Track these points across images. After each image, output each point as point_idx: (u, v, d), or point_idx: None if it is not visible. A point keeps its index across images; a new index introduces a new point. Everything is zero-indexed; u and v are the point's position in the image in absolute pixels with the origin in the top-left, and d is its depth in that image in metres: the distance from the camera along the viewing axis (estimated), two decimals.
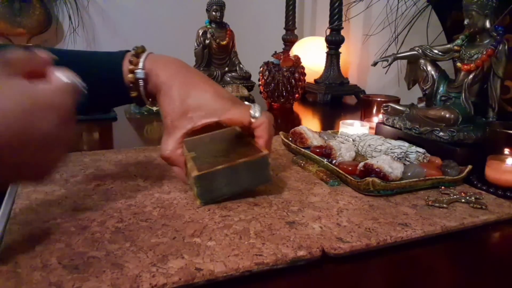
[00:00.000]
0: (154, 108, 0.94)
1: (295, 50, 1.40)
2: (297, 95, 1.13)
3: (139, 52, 0.48)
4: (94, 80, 0.41)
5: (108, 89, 0.48)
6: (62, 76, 0.35)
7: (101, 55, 0.50)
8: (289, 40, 1.57)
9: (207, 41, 1.08)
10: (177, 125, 0.47)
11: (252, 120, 0.47)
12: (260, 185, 0.48)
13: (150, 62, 0.47)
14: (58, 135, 0.34)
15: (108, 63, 0.48)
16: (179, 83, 0.47)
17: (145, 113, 0.97)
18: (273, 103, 1.15)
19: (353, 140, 0.65)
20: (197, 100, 0.47)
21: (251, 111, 0.47)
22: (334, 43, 1.27)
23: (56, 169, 0.37)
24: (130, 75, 0.46)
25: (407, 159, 0.56)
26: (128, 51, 0.48)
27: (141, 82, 0.47)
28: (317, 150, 0.60)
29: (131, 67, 0.46)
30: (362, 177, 0.50)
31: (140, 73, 0.46)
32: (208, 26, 1.10)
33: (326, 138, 0.67)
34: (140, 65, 0.46)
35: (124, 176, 0.54)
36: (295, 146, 0.65)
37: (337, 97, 1.27)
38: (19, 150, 0.32)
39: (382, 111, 0.76)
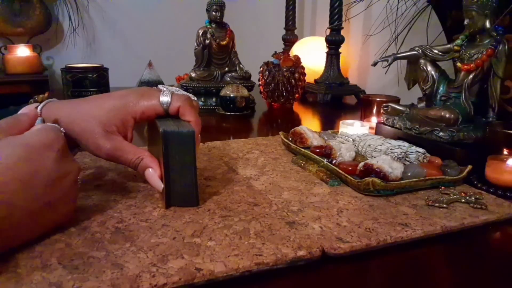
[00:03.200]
0: None
1: (295, 50, 1.40)
2: (297, 95, 1.13)
3: (39, 100, 0.46)
4: None
5: None
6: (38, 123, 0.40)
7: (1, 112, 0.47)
8: (289, 40, 1.57)
9: (207, 41, 1.08)
10: (115, 143, 0.45)
11: (164, 106, 0.46)
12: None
13: (48, 109, 0.45)
14: (61, 170, 0.37)
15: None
16: (78, 113, 0.45)
17: None
18: (273, 103, 1.15)
19: (353, 140, 0.65)
20: (105, 112, 0.44)
21: (161, 98, 0.46)
22: (334, 43, 1.27)
23: (74, 205, 0.40)
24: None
25: (407, 159, 0.56)
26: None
27: None
28: (317, 150, 0.60)
29: None
30: (362, 177, 0.50)
31: (37, 121, 0.44)
32: (208, 26, 1.10)
33: (326, 138, 0.67)
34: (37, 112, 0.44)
35: (124, 176, 0.54)
36: (295, 146, 0.65)
37: (337, 97, 1.27)
38: (32, 194, 0.34)
39: (382, 111, 0.76)
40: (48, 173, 0.35)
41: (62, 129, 0.40)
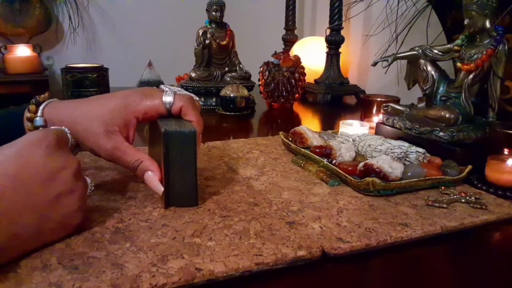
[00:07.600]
0: None
1: (295, 50, 1.40)
2: (297, 95, 1.13)
3: (40, 100, 0.45)
4: None
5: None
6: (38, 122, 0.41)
7: (2, 112, 0.47)
8: (289, 40, 1.57)
9: (207, 41, 1.08)
10: (115, 143, 0.44)
11: (167, 106, 0.46)
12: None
13: (50, 109, 0.45)
14: (53, 164, 0.35)
15: (9, 117, 0.46)
16: (80, 112, 0.44)
17: None
18: (273, 103, 1.15)
19: (353, 140, 0.64)
20: (107, 112, 0.44)
21: (163, 98, 0.46)
22: (334, 43, 1.27)
23: (80, 203, 0.37)
24: (28, 124, 0.44)
25: (407, 159, 0.56)
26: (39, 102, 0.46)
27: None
28: (317, 150, 0.60)
29: (29, 115, 0.44)
30: (362, 177, 0.50)
31: (38, 120, 0.44)
32: (208, 26, 1.10)
33: (326, 138, 0.67)
34: (39, 112, 0.44)
35: (124, 176, 0.54)
36: (295, 146, 0.65)
37: (337, 97, 1.27)
38: (24, 189, 0.33)
39: (382, 111, 0.76)
40: (38, 169, 0.34)
41: (64, 128, 0.39)
